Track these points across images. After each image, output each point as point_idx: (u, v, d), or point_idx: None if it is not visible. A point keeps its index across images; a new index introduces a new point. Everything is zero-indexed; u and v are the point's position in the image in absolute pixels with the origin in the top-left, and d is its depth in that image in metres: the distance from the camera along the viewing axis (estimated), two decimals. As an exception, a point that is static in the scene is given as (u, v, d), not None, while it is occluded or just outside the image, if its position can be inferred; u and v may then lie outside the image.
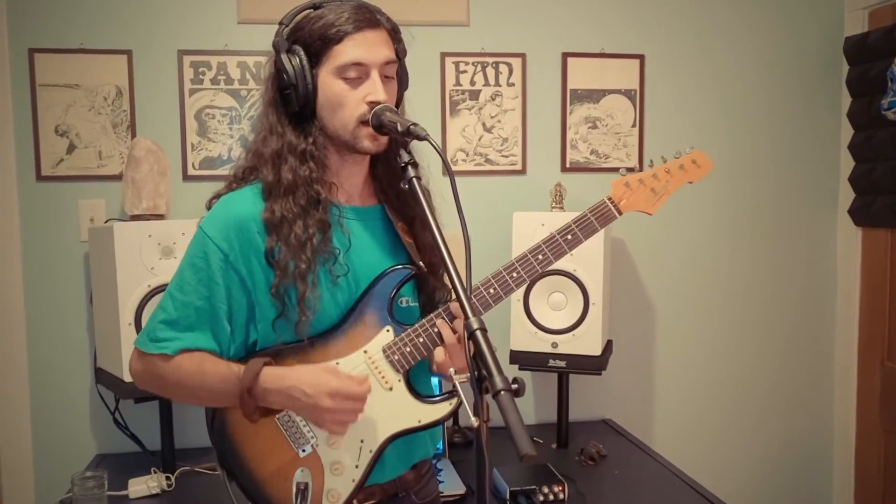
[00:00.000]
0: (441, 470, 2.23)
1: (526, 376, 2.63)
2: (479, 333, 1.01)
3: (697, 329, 2.92)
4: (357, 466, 1.36)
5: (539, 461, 2.22)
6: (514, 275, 1.39)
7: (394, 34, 1.40)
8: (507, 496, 2.02)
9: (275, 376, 1.29)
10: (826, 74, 2.91)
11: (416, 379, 1.42)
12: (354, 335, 1.37)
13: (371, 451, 1.36)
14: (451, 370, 1.11)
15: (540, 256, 1.40)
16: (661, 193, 1.48)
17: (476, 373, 1.00)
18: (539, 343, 2.38)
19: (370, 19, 1.34)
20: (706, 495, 2.08)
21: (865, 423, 2.91)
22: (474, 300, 1.26)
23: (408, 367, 1.37)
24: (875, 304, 2.86)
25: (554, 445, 2.54)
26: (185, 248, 1.91)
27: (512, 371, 2.40)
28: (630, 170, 1.49)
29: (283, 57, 1.34)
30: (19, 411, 2.50)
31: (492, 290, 1.38)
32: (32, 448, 2.51)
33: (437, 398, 1.38)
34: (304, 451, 1.36)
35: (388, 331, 1.37)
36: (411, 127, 1.23)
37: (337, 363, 1.35)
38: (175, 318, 1.33)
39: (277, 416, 1.37)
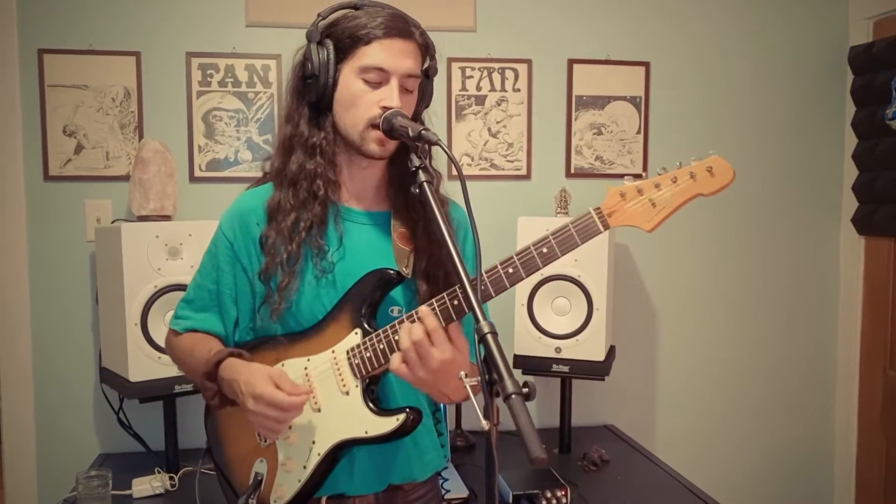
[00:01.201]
0: (447, 479, 2.22)
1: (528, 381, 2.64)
2: (489, 337, 1.01)
3: (700, 336, 2.93)
4: (305, 467, 1.35)
5: (541, 465, 2.22)
6: (482, 288, 1.23)
7: (425, 50, 1.41)
8: (510, 500, 2.03)
9: (231, 368, 1.32)
10: (830, 84, 2.93)
11: (399, 392, 1.39)
12: (329, 334, 1.36)
13: (319, 455, 1.33)
14: (463, 373, 1.11)
15: (510, 270, 1.23)
16: (663, 207, 1.21)
17: (487, 376, 1.01)
18: (543, 348, 2.39)
19: (403, 29, 1.35)
20: (709, 501, 2.09)
21: (867, 431, 2.92)
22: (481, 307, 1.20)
23: (366, 373, 1.32)
24: (877, 312, 2.87)
25: (556, 450, 2.55)
26: (193, 249, 2.21)
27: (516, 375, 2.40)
28: (637, 177, 1.27)
29: (313, 47, 1.37)
30: (23, 410, 2.50)
31: (455, 302, 1.24)
32: (36, 447, 2.51)
33: (390, 412, 1.32)
34: (265, 441, 1.41)
35: (356, 333, 1.34)
36: (422, 132, 1.23)
37: (308, 360, 1.37)
38: (192, 299, 1.49)
39: None
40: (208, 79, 2.55)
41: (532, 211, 2.63)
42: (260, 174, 1.53)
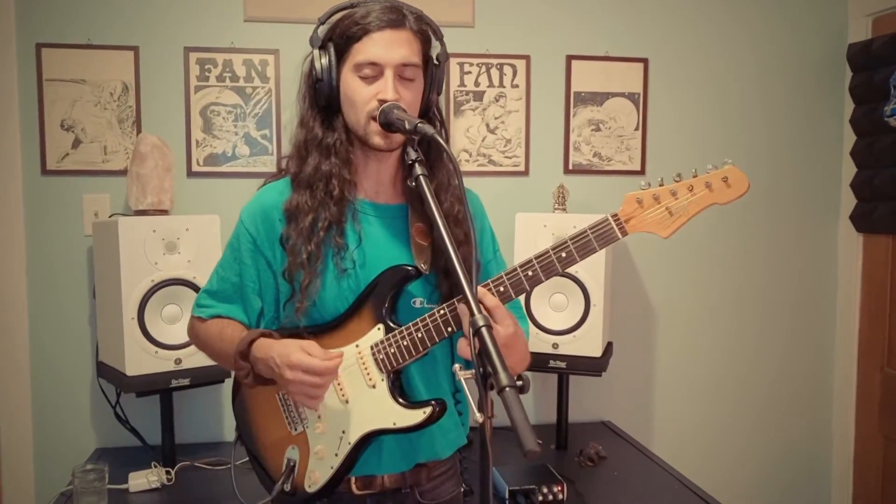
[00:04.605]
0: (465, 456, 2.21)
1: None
2: (484, 330, 1.02)
3: (697, 333, 2.93)
4: (336, 455, 1.39)
5: (538, 461, 2.23)
6: (501, 289, 1.29)
7: (422, 36, 1.40)
8: (507, 495, 2.03)
9: (264, 347, 1.35)
10: (829, 81, 2.92)
11: (420, 381, 1.43)
12: (352, 329, 1.40)
13: (350, 444, 1.38)
14: (457, 366, 1.10)
15: (530, 273, 1.28)
16: (679, 215, 1.26)
17: (481, 369, 1.01)
18: (539, 344, 2.38)
19: (394, 20, 1.35)
20: (706, 498, 2.09)
21: (865, 428, 2.92)
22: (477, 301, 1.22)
23: (391, 368, 1.36)
24: (875, 310, 2.87)
25: (553, 446, 2.55)
26: (190, 244, 2.22)
27: (512, 371, 2.40)
28: (636, 173, 1.31)
29: (315, 52, 1.40)
30: (21, 404, 2.50)
31: (501, 289, 1.30)
32: (33, 441, 2.52)
33: (417, 404, 1.36)
34: (296, 430, 1.44)
35: (378, 329, 1.38)
36: (419, 125, 1.24)
37: None
38: (216, 290, 1.51)
39: (280, 392, 1.44)
40: (206, 74, 2.55)
41: (530, 207, 2.63)
42: (258, 170, 1.54)
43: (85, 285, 2.52)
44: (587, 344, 2.36)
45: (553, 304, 2.40)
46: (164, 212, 2.31)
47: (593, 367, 2.37)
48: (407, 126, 1.26)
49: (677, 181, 1.27)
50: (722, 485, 2.63)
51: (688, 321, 2.92)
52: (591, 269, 2.34)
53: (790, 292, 2.98)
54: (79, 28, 2.46)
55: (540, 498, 2.03)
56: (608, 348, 2.52)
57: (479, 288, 1.27)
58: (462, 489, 1.68)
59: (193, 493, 2.16)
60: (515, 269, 1.29)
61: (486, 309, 1.21)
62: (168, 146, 2.36)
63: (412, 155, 1.27)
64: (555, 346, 2.37)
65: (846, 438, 2.98)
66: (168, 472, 2.21)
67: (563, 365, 2.38)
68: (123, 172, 2.48)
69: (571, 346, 2.37)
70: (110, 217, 2.42)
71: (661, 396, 2.93)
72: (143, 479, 2.16)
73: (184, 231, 2.20)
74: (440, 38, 1.43)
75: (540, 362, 2.39)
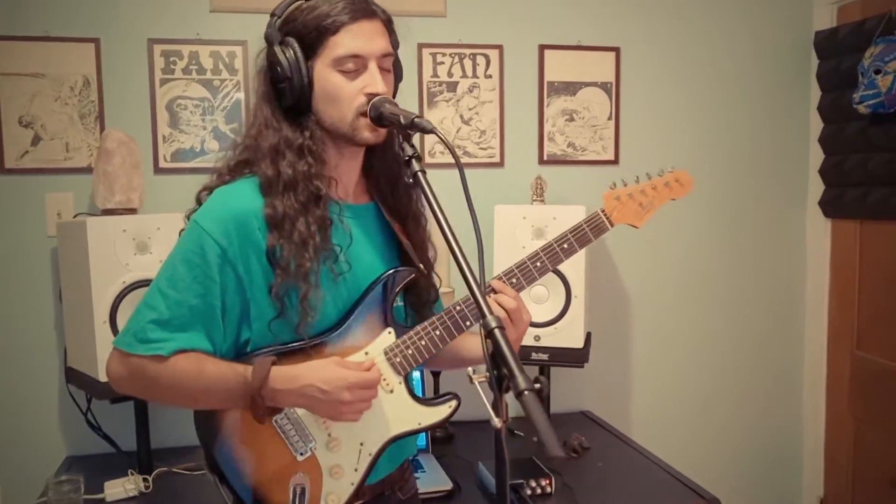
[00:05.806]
0: (423, 470, 2.20)
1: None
2: (497, 332, 0.98)
3: (671, 321, 2.95)
4: (356, 469, 1.35)
5: (524, 455, 2.21)
6: (514, 280, 1.43)
7: (389, 25, 1.36)
8: (495, 491, 2.01)
9: (286, 377, 1.25)
10: (797, 68, 2.96)
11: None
12: (355, 336, 1.34)
13: (371, 455, 1.35)
14: (470, 369, 1.07)
15: (538, 264, 1.46)
16: (648, 208, 1.58)
17: (496, 372, 0.98)
18: (521, 336, 2.37)
19: (366, 9, 1.30)
20: (689, 484, 2.11)
21: (835, 411, 2.98)
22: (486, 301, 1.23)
23: (409, 370, 1.35)
24: (844, 294, 2.92)
25: (536, 438, 2.54)
26: (162, 243, 2.09)
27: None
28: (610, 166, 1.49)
29: (277, 49, 1.29)
30: (-16, 414, 2.40)
31: (514, 280, 1.44)
32: (-1, 451, 2.42)
33: (437, 400, 1.37)
34: (301, 454, 1.34)
35: (389, 333, 1.35)
36: (415, 119, 1.21)
37: None
38: (168, 318, 1.26)
39: (275, 418, 1.33)
40: (171, 66, 2.46)
41: (506, 199, 2.60)
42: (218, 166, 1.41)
43: (49, 288, 2.42)
44: (569, 335, 2.35)
45: (534, 297, 2.39)
46: (132, 210, 2.23)
47: (575, 358, 2.37)
48: (402, 120, 1.22)
49: (641, 183, 1.58)
50: (698, 468, 2.65)
51: (662, 310, 2.94)
52: (572, 261, 2.29)
53: (761, 278, 3.02)
54: (35, 19, 2.35)
55: (529, 492, 2.02)
56: (587, 339, 2.52)
57: (496, 281, 1.37)
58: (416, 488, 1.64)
59: (172, 499, 2.10)
60: (524, 262, 1.44)
61: (513, 298, 1.35)
62: (135, 142, 2.27)
63: (409, 151, 1.22)
64: (537, 338, 2.36)
65: (817, 420, 3.04)
66: (145, 480, 2.14)
67: (545, 357, 2.37)
68: (87, 170, 2.38)
69: (553, 337, 2.36)
70: (75, 217, 2.33)
71: (638, 384, 2.94)
72: (120, 488, 2.08)
73: (155, 230, 2.12)
74: (394, 27, 1.39)
75: (522, 355, 2.35)
